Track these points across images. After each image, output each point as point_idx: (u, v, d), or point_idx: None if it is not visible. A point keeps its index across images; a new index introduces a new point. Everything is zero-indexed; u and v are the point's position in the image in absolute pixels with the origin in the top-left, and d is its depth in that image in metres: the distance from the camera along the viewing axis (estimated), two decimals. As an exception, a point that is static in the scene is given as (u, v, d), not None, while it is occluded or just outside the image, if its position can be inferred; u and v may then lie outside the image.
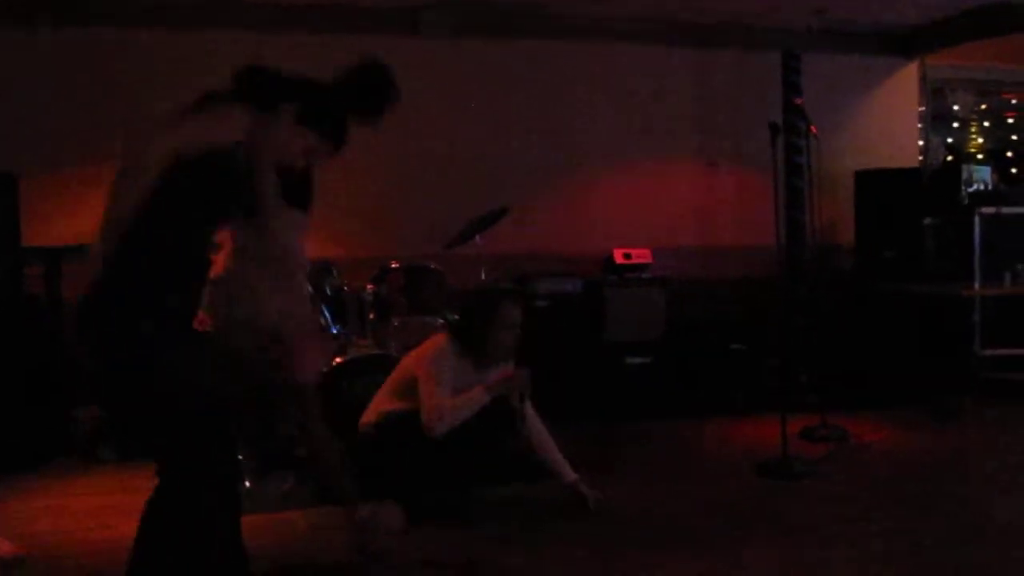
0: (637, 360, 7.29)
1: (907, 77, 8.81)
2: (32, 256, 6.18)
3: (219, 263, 3.85)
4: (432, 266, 6.12)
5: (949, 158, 8.98)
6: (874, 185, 7.98)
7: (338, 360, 5.37)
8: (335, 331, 5.65)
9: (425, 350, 4.67)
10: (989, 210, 7.48)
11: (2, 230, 5.99)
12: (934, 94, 9.04)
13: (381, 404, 4.75)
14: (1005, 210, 7.51)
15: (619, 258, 7.47)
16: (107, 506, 4.90)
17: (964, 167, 7.79)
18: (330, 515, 4.47)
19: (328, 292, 5.68)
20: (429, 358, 4.60)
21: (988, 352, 7.46)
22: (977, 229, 7.39)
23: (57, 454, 5.89)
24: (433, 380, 4.51)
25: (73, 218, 6.28)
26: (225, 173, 2.96)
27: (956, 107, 9.38)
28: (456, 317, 4.74)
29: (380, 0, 7.11)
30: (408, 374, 4.68)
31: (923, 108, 8.89)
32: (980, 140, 9.62)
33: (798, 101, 6.88)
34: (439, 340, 4.68)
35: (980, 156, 9.38)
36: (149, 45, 6.76)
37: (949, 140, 9.38)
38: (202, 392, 2.92)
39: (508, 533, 4.45)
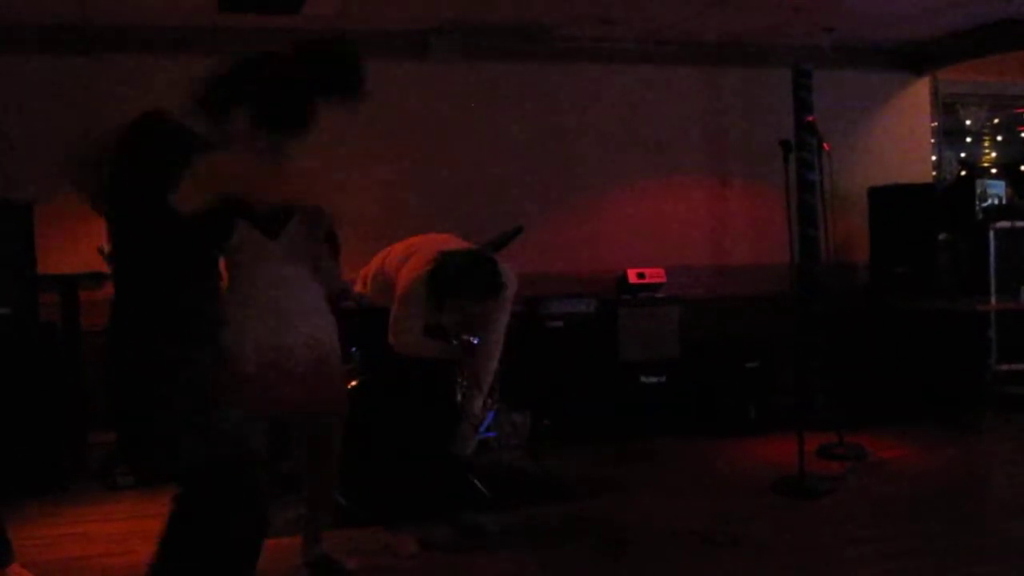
0: (652, 379, 7.28)
1: (919, 92, 8.80)
2: (48, 283, 6.21)
3: None
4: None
5: (963, 173, 8.95)
6: (888, 201, 7.96)
7: (352, 383, 5.37)
8: (352, 351, 5.65)
9: (410, 273, 4.75)
10: (1004, 224, 7.46)
11: (18, 257, 6.02)
12: (946, 109, 9.03)
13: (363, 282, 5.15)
14: (1020, 224, 7.48)
15: (633, 278, 7.46)
16: (126, 532, 4.91)
17: (978, 182, 7.77)
18: (338, 540, 4.48)
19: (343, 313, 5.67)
20: (408, 284, 4.71)
21: (1004, 367, 7.42)
22: (992, 244, 7.37)
23: (75, 480, 5.91)
24: (403, 303, 4.71)
25: (89, 246, 6.30)
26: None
27: (968, 122, 9.36)
28: (444, 262, 4.74)
29: (389, 24, 7.15)
30: (392, 278, 4.86)
31: (935, 123, 8.87)
32: (993, 154, 9.60)
33: (810, 118, 6.88)
34: (421, 273, 4.72)
35: (994, 170, 9.35)
36: (165, 73, 6.79)
37: (962, 155, 9.36)
38: (231, 427, 2.88)
39: (521, 555, 4.45)
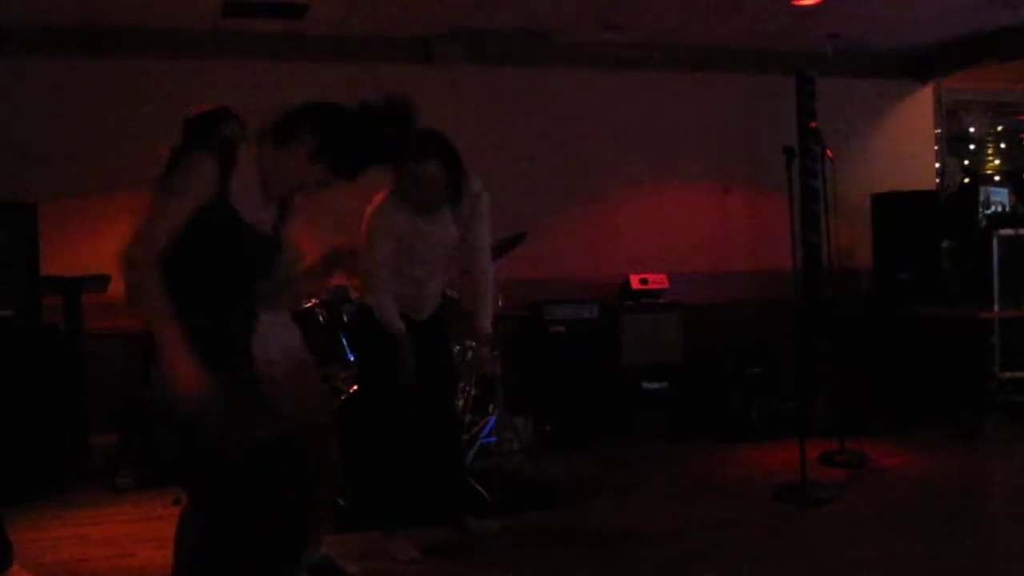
0: (654, 385, 7.29)
1: (922, 99, 8.80)
2: (51, 285, 6.21)
3: None
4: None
5: (966, 180, 8.96)
6: (891, 208, 7.96)
7: (355, 388, 5.38)
8: (351, 358, 5.65)
9: (370, 209, 4.59)
10: (1007, 232, 7.45)
11: (21, 259, 6.02)
12: (950, 116, 9.03)
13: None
14: (1023, 231, 7.47)
15: (636, 283, 7.47)
16: (127, 534, 4.91)
17: (981, 189, 7.79)
18: (338, 544, 4.47)
19: (345, 319, 5.68)
20: (368, 219, 4.54)
21: (1007, 375, 7.41)
22: (995, 251, 7.36)
23: (76, 482, 5.91)
24: (370, 244, 4.47)
25: (92, 247, 6.33)
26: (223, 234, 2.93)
27: (972, 129, 9.37)
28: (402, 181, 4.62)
29: (393, 29, 7.16)
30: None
31: (939, 130, 8.87)
32: (997, 162, 9.60)
33: (813, 124, 6.88)
34: (378, 197, 4.59)
35: (997, 178, 9.36)
36: (167, 76, 6.80)
37: (966, 162, 9.36)
38: (237, 436, 2.87)
39: (521, 560, 4.44)
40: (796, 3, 6.66)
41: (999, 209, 7.72)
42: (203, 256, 2.88)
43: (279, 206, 3.13)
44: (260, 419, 2.95)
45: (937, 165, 8.87)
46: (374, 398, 4.72)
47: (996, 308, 7.30)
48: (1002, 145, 9.59)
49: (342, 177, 3.14)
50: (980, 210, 7.62)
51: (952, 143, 9.09)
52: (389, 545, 4.55)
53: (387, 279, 4.50)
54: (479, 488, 5.30)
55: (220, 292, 2.95)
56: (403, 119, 3.32)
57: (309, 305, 5.42)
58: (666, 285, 7.51)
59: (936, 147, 8.87)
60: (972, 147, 9.44)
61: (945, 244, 7.71)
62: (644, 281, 7.49)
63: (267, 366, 3.66)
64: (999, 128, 9.51)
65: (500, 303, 6.48)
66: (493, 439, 6.11)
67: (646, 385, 7.24)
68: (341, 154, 3.09)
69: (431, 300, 4.76)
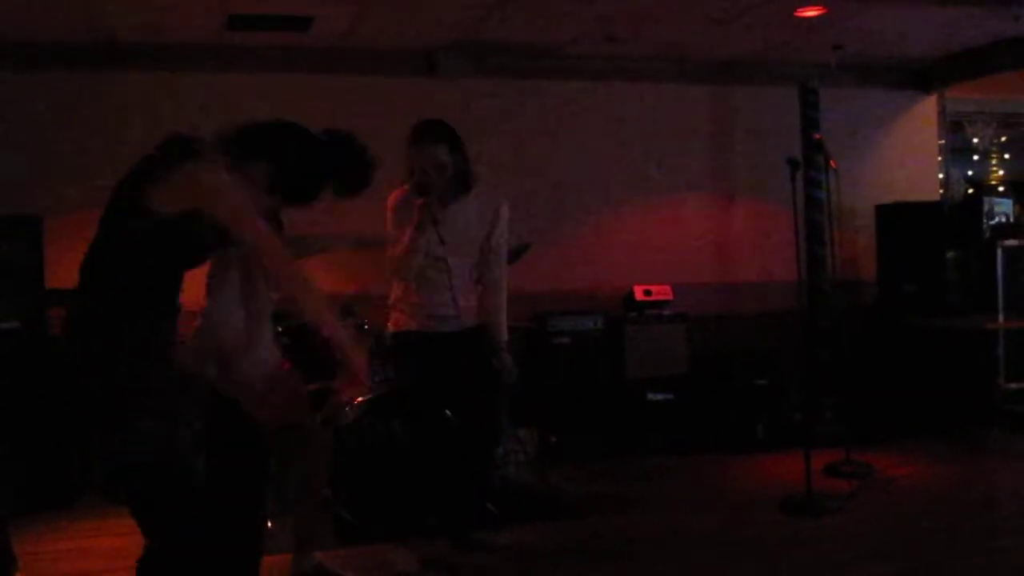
0: (659, 396, 7.27)
1: (926, 110, 8.80)
2: (56, 298, 6.21)
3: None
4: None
5: (970, 191, 8.95)
6: (895, 219, 7.95)
7: (360, 399, 5.38)
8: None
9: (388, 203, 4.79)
10: (1011, 242, 7.44)
11: (27, 271, 6.03)
12: (953, 127, 9.03)
13: None
14: (1027, 242, 7.47)
15: (640, 295, 7.47)
16: (130, 546, 4.86)
17: (985, 199, 7.76)
18: (339, 556, 4.47)
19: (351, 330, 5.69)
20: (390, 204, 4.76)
21: (1012, 385, 7.39)
22: (1000, 262, 7.35)
23: (81, 495, 5.91)
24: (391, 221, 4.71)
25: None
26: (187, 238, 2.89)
27: (976, 140, 9.36)
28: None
29: (397, 42, 7.17)
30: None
31: (943, 141, 8.87)
32: (1001, 172, 9.60)
33: (817, 136, 6.89)
34: (395, 194, 4.79)
35: (1001, 188, 9.35)
36: (174, 89, 6.83)
37: (969, 173, 9.35)
38: (184, 459, 2.83)
39: (525, 572, 4.44)
40: (800, 15, 6.68)
41: (1003, 220, 7.69)
42: (180, 259, 2.88)
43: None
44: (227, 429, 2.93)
45: (941, 176, 8.87)
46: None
47: (1001, 319, 7.29)
48: (1006, 156, 9.59)
49: (293, 205, 3.13)
50: (984, 221, 7.60)
51: (956, 154, 9.09)
52: (389, 556, 4.55)
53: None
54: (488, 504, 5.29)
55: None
56: (361, 154, 3.32)
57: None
58: (670, 296, 7.51)
59: (940, 158, 8.87)
60: (976, 158, 9.44)
61: (949, 255, 7.69)
62: (648, 292, 7.48)
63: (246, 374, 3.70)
64: (1003, 139, 9.51)
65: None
66: (498, 450, 6.10)
67: (651, 396, 7.23)
68: (297, 183, 3.07)
69: (463, 309, 4.74)
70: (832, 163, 6.29)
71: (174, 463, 2.79)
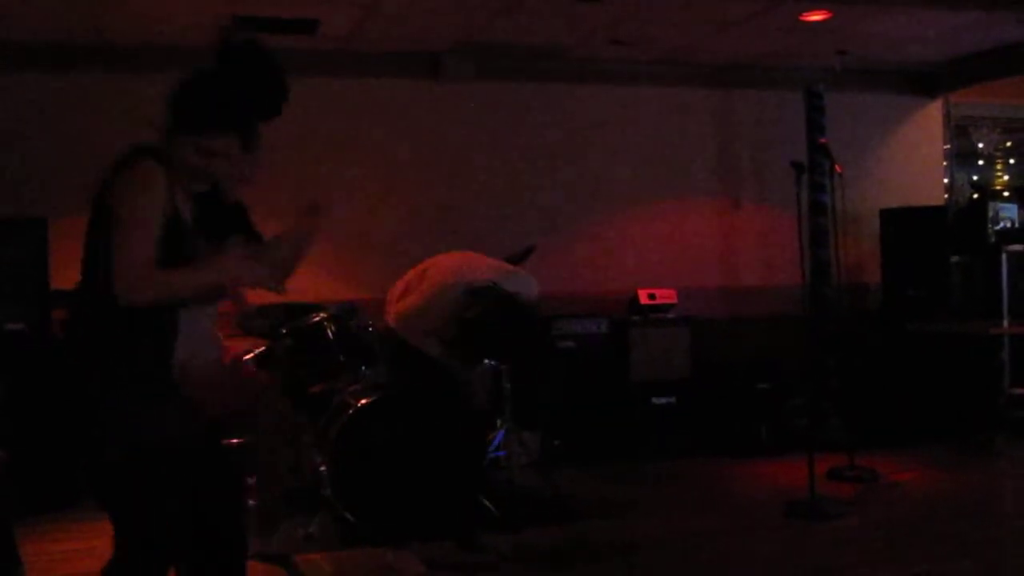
0: (663, 400, 7.27)
1: (931, 115, 8.80)
2: (61, 300, 6.22)
3: None
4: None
5: (975, 196, 8.94)
6: (900, 223, 7.94)
7: (363, 402, 5.38)
8: (363, 370, 5.65)
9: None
10: (1016, 247, 7.43)
11: (32, 273, 6.04)
12: (959, 132, 9.02)
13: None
14: (1033, 247, 7.46)
15: (644, 298, 7.46)
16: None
17: (990, 204, 7.74)
18: (354, 557, 4.47)
19: (354, 333, 5.68)
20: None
21: (1017, 390, 7.38)
22: (1004, 267, 7.34)
23: (86, 496, 5.91)
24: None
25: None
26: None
27: (981, 144, 9.35)
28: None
29: (402, 45, 7.18)
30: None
31: (948, 146, 8.87)
32: (1006, 177, 9.59)
33: (822, 140, 6.88)
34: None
35: (1006, 193, 9.34)
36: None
37: (974, 177, 9.34)
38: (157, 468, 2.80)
39: (532, 575, 4.43)
40: (805, 19, 6.68)
41: (1008, 225, 7.68)
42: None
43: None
44: (183, 422, 2.91)
45: (946, 181, 8.86)
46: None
47: (1006, 324, 7.27)
48: (1011, 161, 9.58)
49: (235, 142, 3.07)
50: (989, 226, 7.58)
51: (961, 159, 9.08)
52: (393, 559, 4.55)
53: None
54: (487, 502, 5.29)
55: None
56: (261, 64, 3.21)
57: (317, 319, 5.42)
58: (675, 300, 7.50)
59: (945, 163, 8.86)
60: (981, 163, 9.43)
61: (954, 260, 7.69)
62: (652, 296, 7.48)
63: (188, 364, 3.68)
64: (1008, 144, 9.50)
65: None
66: (502, 453, 6.11)
67: (655, 400, 7.23)
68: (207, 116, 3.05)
69: None
70: (837, 167, 6.29)
71: (143, 464, 2.77)
